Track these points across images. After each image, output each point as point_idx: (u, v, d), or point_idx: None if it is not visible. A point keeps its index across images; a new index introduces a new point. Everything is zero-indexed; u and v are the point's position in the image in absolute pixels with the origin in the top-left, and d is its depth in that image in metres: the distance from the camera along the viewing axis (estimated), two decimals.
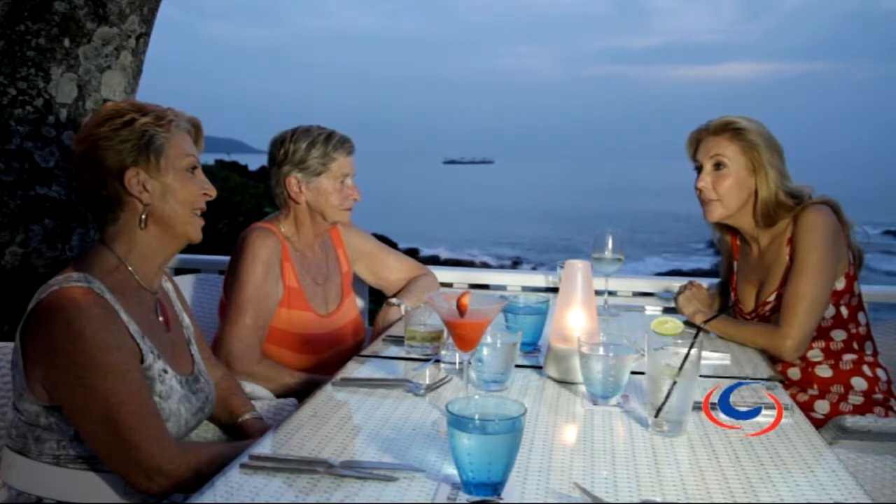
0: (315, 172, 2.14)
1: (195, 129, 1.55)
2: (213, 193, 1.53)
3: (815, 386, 2.04)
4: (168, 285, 1.65)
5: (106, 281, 1.40)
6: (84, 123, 1.50)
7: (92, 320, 1.32)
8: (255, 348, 2.03)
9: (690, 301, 2.23)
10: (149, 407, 1.35)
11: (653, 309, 2.63)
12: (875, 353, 2.09)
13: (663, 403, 1.36)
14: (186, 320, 1.65)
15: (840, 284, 2.03)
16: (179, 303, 1.67)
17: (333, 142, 2.14)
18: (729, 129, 2.09)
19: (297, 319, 2.14)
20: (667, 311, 2.50)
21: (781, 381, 1.77)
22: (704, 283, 2.41)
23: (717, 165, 2.09)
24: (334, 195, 2.16)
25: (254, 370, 2.00)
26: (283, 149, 2.14)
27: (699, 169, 2.13)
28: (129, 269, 1.47)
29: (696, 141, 2.16)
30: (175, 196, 1.47)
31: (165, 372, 1.43)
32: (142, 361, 1.39)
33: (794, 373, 2.06)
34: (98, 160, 1.44)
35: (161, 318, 1.53)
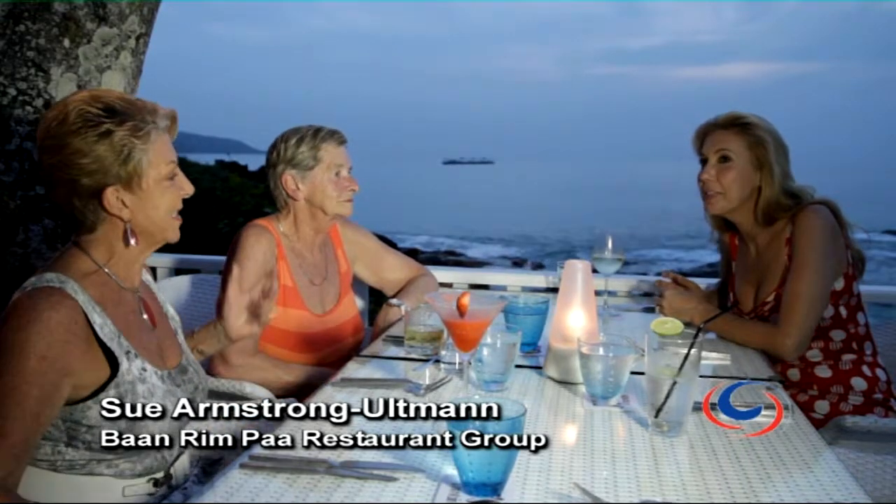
0: (307, 167, 2.15)
1: (171, 122, 1.46)
2: (191, 191, 1.47)
3: (815, 386, 2.04)
4: (147, 277, 1.60)
5: (82, 282, 1.36)
6: (46, 123, 1.36)
7: (37, 322, 1.27)
8: (250, 341, 2.04)
9: (680, 302, 2.13)
10: (31, 417, 1.26)
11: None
12: (875, 353, 2.09)
13: (663, 403, 1.37)
14: (171, 311, 1.62)
15: (839, 285, 2.03)
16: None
17: (321, 134, 2.17)
18: (737, 124, 2.09)
19: (292, 318, 2.15)
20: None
21: (781, 382, 1.77)
22: (702, 283, 2.40)
23: (723, 159, 2.09)
24: (330, 186, 2.16)
25: (250, 361, 2.02)
26: (276, 150, 2.18)
27: (704, 162, 2.13)
28: (107, 272, 1.42)
29: (704, 134, 2.16)
30: (156, 207, 1.42)
31: (144, 370, 1.40)
32: (117, 367, 1.35)
33: (794, 373, 2.06)
34: (72, 178, 1.34)
35: (146, 317, 1.50)
